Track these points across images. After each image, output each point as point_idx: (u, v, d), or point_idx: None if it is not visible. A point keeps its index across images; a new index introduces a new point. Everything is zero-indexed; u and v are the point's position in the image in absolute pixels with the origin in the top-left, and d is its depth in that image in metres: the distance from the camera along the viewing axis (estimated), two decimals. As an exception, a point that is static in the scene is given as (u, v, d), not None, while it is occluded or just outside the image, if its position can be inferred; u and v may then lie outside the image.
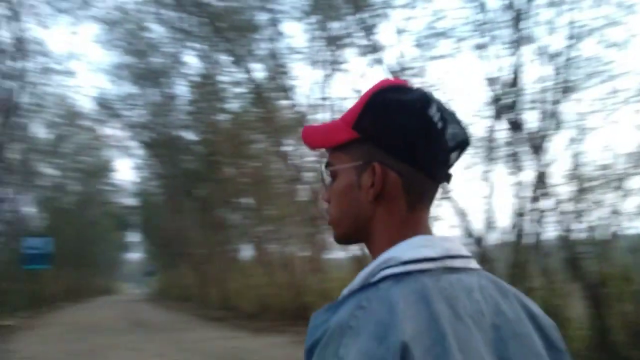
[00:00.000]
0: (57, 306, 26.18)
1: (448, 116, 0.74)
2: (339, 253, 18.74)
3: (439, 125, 0.73)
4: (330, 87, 12.43)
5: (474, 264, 0.76)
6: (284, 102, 14.89)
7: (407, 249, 0.71)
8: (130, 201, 37.14)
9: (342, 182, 0.79)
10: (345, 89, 24.05)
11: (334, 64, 12.00)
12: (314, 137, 0.85)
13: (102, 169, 33.72)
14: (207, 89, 18.12)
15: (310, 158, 16.97)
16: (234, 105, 17.65)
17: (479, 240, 8.47)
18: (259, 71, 14.37)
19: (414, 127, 0.72)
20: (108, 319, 17.79)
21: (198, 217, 25.50)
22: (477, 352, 0.64)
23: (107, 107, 23.79)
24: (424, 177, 0.75)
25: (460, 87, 18.68)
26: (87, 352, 10.09)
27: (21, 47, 14.95)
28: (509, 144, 8.38)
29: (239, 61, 13.62)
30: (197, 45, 16.53)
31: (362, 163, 0.76)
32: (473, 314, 0.68)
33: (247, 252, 24.61)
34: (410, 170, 0.74)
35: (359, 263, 11.41)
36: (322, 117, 13.02)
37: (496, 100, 8.36)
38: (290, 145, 16.75)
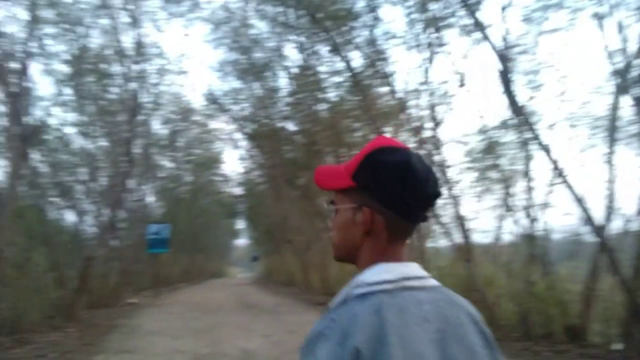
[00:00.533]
0: (175, 287, 28.48)
1: (424, 174, 0.98)
2: (441, 241, 18.38)
3: (416, 182, 0.97)
4: (430, 71, 12.06)
5: (431, 282, 1.01)
6: (382, 89, 14.80)
7: (371, 274, 0.97)
8: (237, 190, 39.15)
9: (342, 218, 1.05)
10: (446, 71, 23.30)
11: (434, 47, 11.65)
12: (323, 179, 1.09)
13: (212, 161, 35.83)
14: (306, 79, 18.53)
15: (410, 145, 16.76)
16: (332, 94, 17.85)
17: (599, 229, 7.83)
18: (357, 59, 14.34)
19: (395, 184, 0.97)
20: (220, 300, 19.04)
21: (299, 205, 26.30)
22: (418, 349, 0.86)
23: (215, 102, 25.32)
24: (402, 220, 1.00)
25: (576, 61, 17.07)
26: (203, 328, 10.91)
27: (141, 51, 16.28)
28: (634, 122, 7.64)
29: (337, 50, 13.72)
30: (297, 38, 16.97)
31: (357, 206, 1.01)
32: (419, 321, 0.91)
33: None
34: (391, 215, 0.99)
35: (460, 251, 11.08)
36: (422, 102, 12.75)
37: (619, 74, 7.64)
38: (389, 133, 16.64)
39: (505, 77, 8.94)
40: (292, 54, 23.11)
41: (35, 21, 11.32)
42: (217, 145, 34.16)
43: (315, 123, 19.20)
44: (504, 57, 8.92)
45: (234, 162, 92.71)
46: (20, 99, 10.68)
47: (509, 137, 11.35)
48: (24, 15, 11.28)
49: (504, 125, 11.34)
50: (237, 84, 23.10)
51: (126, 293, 19.42)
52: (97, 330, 10.79)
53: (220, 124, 35.18)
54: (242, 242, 66.89)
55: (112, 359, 7.77)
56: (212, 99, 25.28)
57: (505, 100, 9.31)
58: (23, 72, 10.99)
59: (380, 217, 1.00)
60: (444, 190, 12.23)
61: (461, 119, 32.94)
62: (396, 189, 0.98)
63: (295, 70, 19.58)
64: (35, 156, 15.93)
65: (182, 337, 9.86)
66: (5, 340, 8.94)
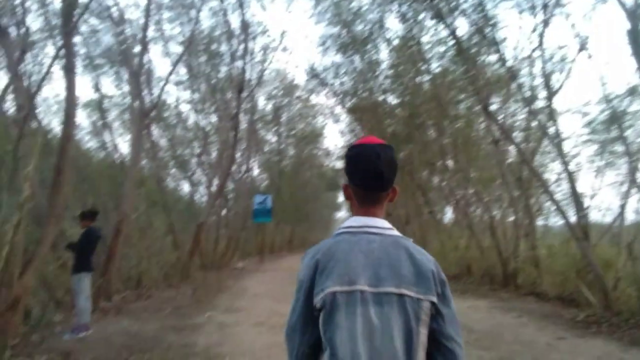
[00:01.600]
0: (278, 254, 29.85)
1: (370, 160, 1.56)
2: (554, 219, 17.23)
3: (363, 165, 1.57)
4: (545, 35, 11.10)
5: (389, 232, 1.56)
6: (490, 58, 13.97)
7: (346, 223, 1.57)
8: (338, 164, 39.58)
9: (345, 190, 1.67)
10: (564, 35, 21.38)
11: (551, 8, 10.69)
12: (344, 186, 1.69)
13: (314, 135, 36.45)
14: (408, 51, 18.02)
15: (521, 116, 15.75)
16: (436, 65, 17.22)
17: None
18: (462, 26, 13.66)
19: (350, 168, 1.61)
20: (319, 269, 19.62)
21: (401, 178, 26.05)
22: (354, 265, 1.44)
23: (316, 77, 25.59)
24: (360, 190, 1.60)
25: None
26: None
27: (246, 29, 16.86)
28: None
29: (441, 18, 13.14)
30: (399, 7, 16.48)
31: (344, 185, 1.65)
32: (364, 250, 1.48)
33: (448, 214, 24.35)
34: (354, 187, 1.61)
35: (575, 230, 10.29)
36: (535, 70, 11.86)
37: None
38: (496, 104, 15.78)
39: (635, 38, 8.02)
40: (394, 25, 22.53)
41: (153, 7, 12.22)
42: (318, 120, 34.68)
43: (418, 95, 18.69)
44: (634, 14, 7.98)
45: (335, 136, 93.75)
46: (142, 79, 11.67)
47: (638, 105, 10.24)
48: (143, 2, 12.23)
49: (631, 92, 10.21)
50: (338, 58, 23.09)
51: (234, 258, 20.74)
52: (207, 290, 11.69)
53: (321, 99, 35.65)
54: (342, 214, 67.96)
55: (219, 316, 8.39)
56: (313, 74, 25.60)
57: (634, 64, 8.36)
58: (143, 55, 11.97)
59: (351, 189, 1.65)
60: (559, 165, 11.39)
61: (581, 87, 30.14)
62: (351, 171, 1.63)
63: (397, 42, 19.11)
64: (155, 131, 17.42)
65: (281, 300, 10.35)
66: (129, 294, 10.04)
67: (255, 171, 33.21)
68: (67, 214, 9.50)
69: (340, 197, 55.28)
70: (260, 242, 23.64)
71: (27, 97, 6.56)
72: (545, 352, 6.12)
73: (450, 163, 19.42)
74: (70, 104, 6.79)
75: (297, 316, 1.52)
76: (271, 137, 34.98)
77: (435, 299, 1.49)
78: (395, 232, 1.57)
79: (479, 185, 16.62)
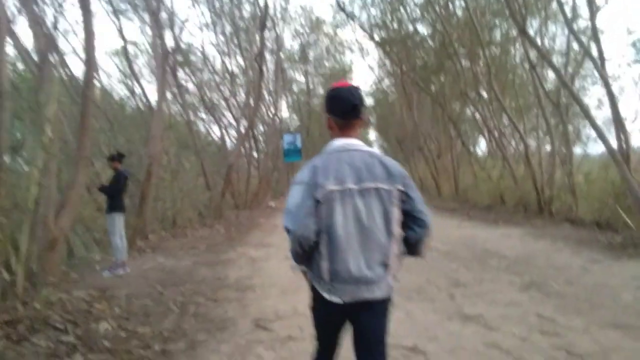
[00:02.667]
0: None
1: (346, 97, 2.13)
2: (592, 147, 16.61)
3: (340, 100, 2.14)
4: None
5: (364, 148, 2.14)
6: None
7: (330, 145, 2.15)
8: (368, 101, 38.88)
9: (328, 122, 2.20)
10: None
11: None
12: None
13: (343, 72, 35.62)
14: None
15: (560, 39, 14.84)
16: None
17: None
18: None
19: (334, 104, 2.16)
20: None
21: (432, 111, 25.45)
22: (342, 171, 2.04)
23: (344, 11, 24.60)
24: (340, 119, 2.15)
25: None
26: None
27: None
28: None
29: None
30: None
31: (327, 117, 2.19)
32: (349, 162, 2.07)
33: (482, 145, 23.82)
34: (336, 118, 2.15)
35: (615, 155, 9.84)
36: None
37: None
38: (534, 26, 14.89)
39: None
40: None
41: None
42: (347, 56, 33.83)
43: (450, 23, 17.80)
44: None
45: (364, 72, 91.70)
46: (162, 19, 11.45)
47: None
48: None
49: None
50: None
51: (266, 198, 21.07)
52: (240, 228, 11.96)
53: (349, 34, 34.50)
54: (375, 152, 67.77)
55: (251, 251, 8.59)
56: (340, 6, 24.63)
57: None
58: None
59: (332, 119, 2.18)
60: (601, 89, 10.73)
61: (626, 4, 28.07)
62: (333, 106, 2.17)
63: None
64: (182, 75, 17.31)
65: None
66: (165, 234, 10.37)
67: (285, 112, 33.05)
68: (101, 158, 9.76)
69: (371, 135, 55.10)
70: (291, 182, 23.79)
71: (45, 40, 6.51)
72: (578, 275, 6.01)
73: (484, 93, 18.70)
74: (89, 44, 6.72)
75: (307, 203, 2.03)
76: (299, 77, 34.57)
77: (401, 188, 2.11)
78: (368, 148, 2.20)
79: (514, 114, 16.00)
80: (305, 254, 2.09)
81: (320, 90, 36.59)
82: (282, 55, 28.89)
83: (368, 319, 2.12)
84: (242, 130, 17.26)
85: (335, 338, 2.23)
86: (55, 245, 5.84)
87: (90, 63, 6.89)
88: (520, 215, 12.80)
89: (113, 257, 6.84)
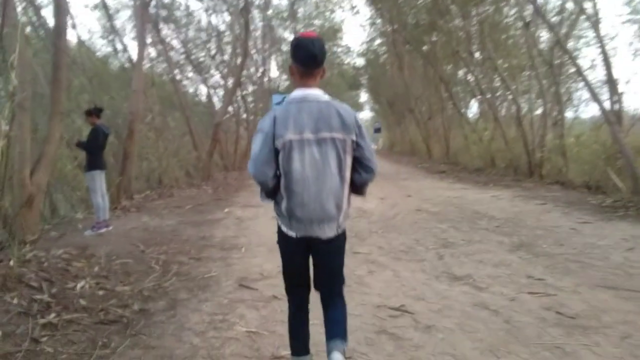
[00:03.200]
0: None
1: (306, 46, 2.21)
2: (584, 109, 16.47)
3: (301, 49, 2.23)
4: None
5: (322, 98, 2.27)
6: None
7: (292, 94, 2.31)
8: (359, 61, 38.21)
9: (290, 69, 2.33)
10: None
11: None
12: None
13: (333, 31, 34.75)
14: None
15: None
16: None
17: None
18: None
19: (296, 53, 2.25)
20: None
21: (424, 72, 25.04)
22: (301, 120, 2.20)
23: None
24: (301, 67, 2.25)
25: None
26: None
27: None
28: None
29: None
30: None
31: (290, 66, 2.33)
32: (308, 112, 2.22)
33: (473, 107, 23.58)
34: (298, 66, 2.26)
35: (608, 116, 9.71)
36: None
37: None
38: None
39: None
40: None
41: None
42: (337, 15, 32.93)
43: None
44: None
45: (355, 32, 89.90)
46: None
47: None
48: None
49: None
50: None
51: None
52: (228, 189, 11.79)
53: (340, -10, 33.46)
54: (365, 114, 67.17)
55: (237, 211, 8.44)
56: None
57: None
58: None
59: (295, 69, 2.28)
60: (595, 49, 10.48)
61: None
62: (295, 54, 2.25)
63: None
64: (167, 32, 16.68)
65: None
66: (151, 193, 10.17)
67: (274, 72, 32.30)
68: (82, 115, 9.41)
69: (363, 97, 54.45)
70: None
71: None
72: (568, 236, 5.95)
73: (477, 54, 18.32)
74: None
75: (264, 151, 2.22)
76: (288, 36, 33.66)
77: (354, 138, 2.27)
78: (327, 98, 2.31)
79: (506, 75, 15.73)
80: (269, 194, 2.37)
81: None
82: (270, 12, 28.17)
83: (324, 253, 2.39)
84: (228, 88, 16.84)
85: (302, 275, 2.45)
86: (32, 202, 5.64)
87: (60, 9, 6.45)
88: (510, 178, 12.75)
89: (95, 216, 6.65)
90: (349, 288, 3.62)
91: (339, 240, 2.40)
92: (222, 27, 21.09)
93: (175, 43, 17.84)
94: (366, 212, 8.21)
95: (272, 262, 4.78)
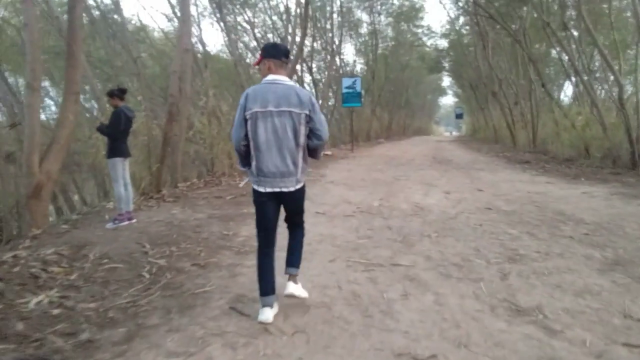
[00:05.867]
0: (374, 142, 28.74)
1: (282, 45, 3.36)
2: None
3: (276, 47, 3.29)
4: None
5: (287, 82, 3.09)
6: None
7: (266, 78, 3.10)
8: (441, 43, 35.97)
9: (263, 65, 3.18)
10: None
11: None
12: (257, 60, 3.24)
13: (413, 9, 32.87)
14: None
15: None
16: None
17: None
18: None
19: (272, 50, 3.20)
20: (414, 154, 18.26)
21: (510, 53, 22.80)
22: (268, 98, 2.98)
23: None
24: (279, 60, 3.14)
25: None
26: (384, 181, 10.25)
27: None
28: None
29: None
30: None
31: (267, 61, 3.15)
32: (274, 91, 3.01)
33: (568, 91, 21.10)
34: (273, 60, 3.13)
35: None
36: None
37: None
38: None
39: None
40: None
41: None
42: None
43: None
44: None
45: (437, 11, 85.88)
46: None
47: None
48: None
49: None
50: None
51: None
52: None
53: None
54: (448, 99, 64.07)
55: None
56: None
57: None
58: None
59: (270, 62, 3.11)
60: None
61: None
62: (272, 51, 3.16)
63: None
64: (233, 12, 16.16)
65: (359, 188, 9.37)
66: (198, 182, 9.66)
67: (350, 55, 31.10)
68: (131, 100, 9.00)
69: (446, 81, 51.75)
70: (353, 129, 22.37)
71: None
72: (684, 254, 4.50)
73: (573, 28, 16.09)
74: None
75: (238, 120, 3.05)
76: (366, 17, 32.25)
77: (308, 112, 3.03)
78: (290, 83, 3.11)
79: (607, 52, 13.55)
80: (242, 156, 3.17)
81: (390, 32, 34.23)
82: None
83: (289, 200, 3.17)
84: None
85: (269, 222, 3.17)
86: (40, 192, 5.15)
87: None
88: (607, 171, 10.86)
89: (117, 208, 6.11)
90: (369, 319, 3.17)
91: (299, 192, 3.18)
92: (292, 6, 20.41)
93: (242, 24, 17.31)
94: (424, 209, 7.05)
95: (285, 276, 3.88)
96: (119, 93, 6.08)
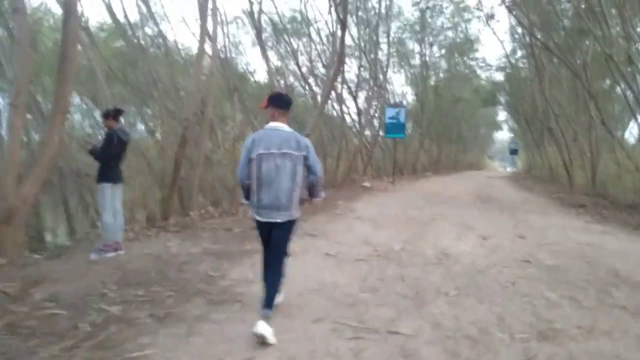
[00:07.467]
0: (420, 175, 27.63)
1: (285, 96, 3.98)
2: None
3: (281, 98, 3.85)
4: None
5: (287, 129, 3.65)
6: None
7: (269, 125, 3.69)
8: (497, 76, 34.67)
9: (270, 113, 3.74)
10: None
11: None
12: (262, 105, 3.79)
13: (467, 42, 31.95)
14: None
15: None
16: None
17: None
18: None
19: (277, 100, 3.76)
20: (458, 191, 17.11)
21: (570, 88, 21.37)
22: (271, 142, 3.54)
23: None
24: (280, 109, 3.71)
25: None
26: (416, 220, 9.35)
27: None
28: None
29: None
30: None
31: (270, 108, 3.72)
32: (276, 136, 3.58)
33: (634, 130, 19.45)
34: (277, 109, 3.71)
35: None
36: None
37: None
38: None
39: None
40: None
41: None
42: (473, 26, 30.09)
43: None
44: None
45: (494, 44, 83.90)
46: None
47: None
48: None
49: None
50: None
51: (361, 176, 19.23)
52: (306, 210, 10.30)
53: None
54: (503, 134, 61.73)
55: (298, 240, 6.88)
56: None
57: None
58: None
59: (273, 110, 3.68)
60: None
61: None
62: (276, 101, 3.72)
63: None
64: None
65: (386, 226, 8.53)
66: (213, 210, 9.10)
67: (399, 86, 30.35)
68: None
69: (501, 115, 49.74)
70: (396, 161, 21.48)
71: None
72: None
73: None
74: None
75: (244, 160, 3.60)
76: (418, 48, 31.54)
77: (304, 154, 3.55)
78: (289, 129, 3.63)
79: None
80: (245, 191, 3.71)
81: (443, 64, 33.36)
82: (398, 24, 26.54)
83: (277, 232, 3.62)
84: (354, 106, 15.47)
85: (267, 241, 3.71)
86: (13, 218, 4.68)
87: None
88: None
89: (103, 237, 5.60)
90: None
91: (288, 224, 3.64)
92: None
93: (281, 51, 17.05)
94: (450, 256, 6.14)
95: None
96: (114, 113, 5.64)
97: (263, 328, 3.17)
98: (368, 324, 3.70)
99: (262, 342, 3.15)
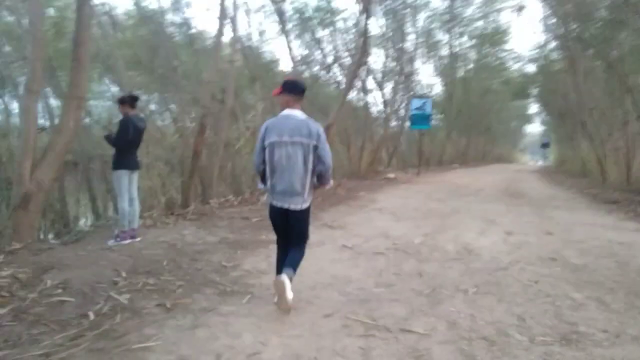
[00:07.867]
0: (446, 167, 27.17)
1: (299, 81, 3.91)
2: None
3: (292, 83, 3.78)
4: None
5: (300, 116, 3.66)
6: None
7: (283, 113, 3.70)
8: (529, 68, 33.71)
9: (281, 99, 3.76)
10: None
11: None
12: (275, 92, 3.82)
13: (497, 33, 31.13)
14: None
15: None
16: None
17: None
18: None
19: (291, 86, 3.74)
20: (484, 184, 16.71)
21: (605, 81, 20.57)
22: (283, 130, 3.59)
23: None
24: (294, 96, 3.71)
25: None
26: (438, 213, 9.13)
27: None
28: None
29: None
30: None
31: (284, 96, 3.73)
32: (289, 124, 3.61)
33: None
34: (291, 95, 3.71)
35: None
36: None
37: None
38: None
39: None
40: None
41: None
42: (503, 16, 29.26)
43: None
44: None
45: (525, 34, 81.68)
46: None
47: None
48: None
49: None
50: None
51: (386, 168, 18.98)
52: (327, 200, 10.20)
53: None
54: (534, 127, 60.22)
55: (315, 231, 6.77)
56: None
57: None
58: None
59: (287, 97, 3.69)
60: None
61: None
62: (289, 87, 3.71)
63: None
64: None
65: (407, 219, 8.34)
66: (233, 199, 9.06)
67: (427, 77, 29.82)
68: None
69: (532, 109, 48.50)
70: (422, 153, 21.11)
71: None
72: None
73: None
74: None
75: (258, 148, 3.70)
76: (446, 39, 30.89)
77: (315, 143, 3.58)
78: (302, 117, 3.65)
79: None
80: (262, 176, 3.78)
81: (473, 55, 32.63)
82: (427, 14, 26.01)
83: (293, 219, 3.68)
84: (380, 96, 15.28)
85: (280, 230, 3.82)
86: (29, 203, 4.70)
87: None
88: None
89: (120, 223, 5.60)
90: None
91: (304, 212, 3.72)
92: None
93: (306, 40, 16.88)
94: (472, 252, 5.93)
95: (264, 334, 3.04)
96: (130, 100, 5.61)
97: (285, 277, 3.44)
98: (380, 321, 3.57)
99: (281, 291, 3.42)
